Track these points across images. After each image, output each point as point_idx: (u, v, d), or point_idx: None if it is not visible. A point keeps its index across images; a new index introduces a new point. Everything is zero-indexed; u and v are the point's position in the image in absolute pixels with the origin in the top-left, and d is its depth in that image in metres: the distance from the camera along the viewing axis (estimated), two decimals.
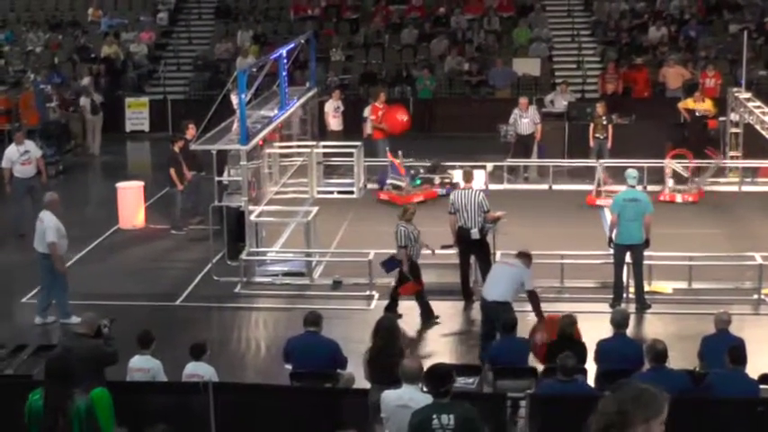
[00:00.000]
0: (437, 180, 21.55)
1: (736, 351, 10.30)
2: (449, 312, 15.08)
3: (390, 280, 15.62)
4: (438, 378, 8.28)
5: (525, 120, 22.89)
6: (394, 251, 14.80)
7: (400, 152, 21.58)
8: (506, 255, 14.65)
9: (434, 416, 8.03)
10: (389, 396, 8.75)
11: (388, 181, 21.47)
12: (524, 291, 13.16)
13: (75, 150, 26.67)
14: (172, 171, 19.37)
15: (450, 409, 8.07)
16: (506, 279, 13.03)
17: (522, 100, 23.39)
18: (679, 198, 20.67)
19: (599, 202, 20.22)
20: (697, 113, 23.98)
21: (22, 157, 19.41)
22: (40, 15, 34.43)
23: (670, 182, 21.01)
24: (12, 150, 19.54)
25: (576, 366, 10.35)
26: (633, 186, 15.67)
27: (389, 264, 15.11)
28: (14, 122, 25.40)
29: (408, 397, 8.56)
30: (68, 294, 15.06)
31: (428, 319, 14.81)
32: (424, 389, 8.59)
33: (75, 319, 14.84)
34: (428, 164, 21.98)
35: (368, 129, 23.36)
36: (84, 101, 26.93)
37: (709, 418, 9.72)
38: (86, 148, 26.87)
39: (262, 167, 19.05)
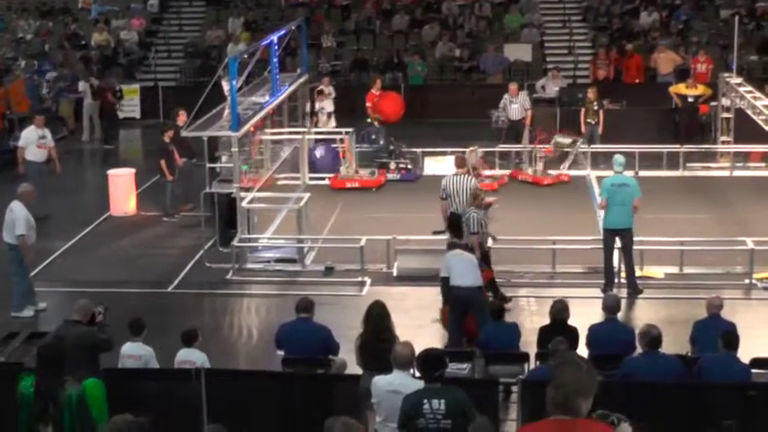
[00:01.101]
0: (392, 165, 21.51)
1: (729, 335, 10.31)
2: (439, 298, 15.00)
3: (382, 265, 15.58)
4: (430, 364, 8.29)
5: (515, 105, 22.88)
6: (387, 237, 14.59)
7: (346, 137, 21.65)
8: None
9: (425, 401, 8.05)
10: (380, 381, 8.74)
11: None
12: None
13: (66, 137, 26.59)
14: (162, 161, 19.31)
15: (441, 394, 8.09)
16: (472, 266, 13.00)
17: (512, 86, 23.37)
18: (547, 181, 21.08)
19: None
20: (689, 99, 24.00)
21: (40, 140, 19.70)
22: (31, 2, 34.34)
23: (539, 164, 21.32)
24: (30, 132, 19.78)
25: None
26: (620, 173, 15.55)
27: None
28: (5, 110, 25.30)
29: (399, 382, 8.56)
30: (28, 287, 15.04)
31: (504, 302, 14.49)
32: (416, 374, 8.59)
33: (28, 312, 14.83)
34: (390, 147, 21.95)
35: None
36: (83, 86, 26.80)
37: (700, 402, 9.74)
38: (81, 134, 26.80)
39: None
